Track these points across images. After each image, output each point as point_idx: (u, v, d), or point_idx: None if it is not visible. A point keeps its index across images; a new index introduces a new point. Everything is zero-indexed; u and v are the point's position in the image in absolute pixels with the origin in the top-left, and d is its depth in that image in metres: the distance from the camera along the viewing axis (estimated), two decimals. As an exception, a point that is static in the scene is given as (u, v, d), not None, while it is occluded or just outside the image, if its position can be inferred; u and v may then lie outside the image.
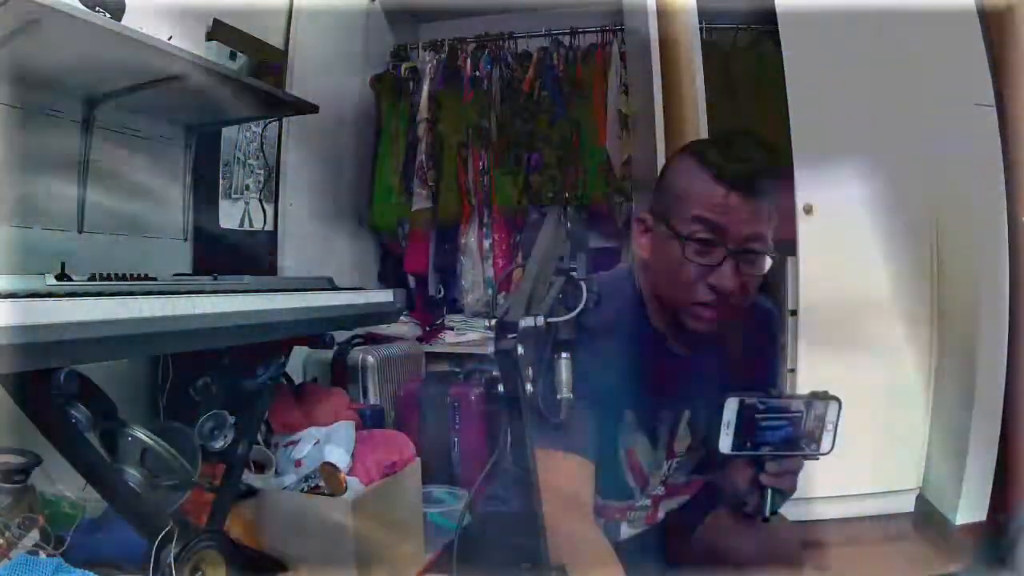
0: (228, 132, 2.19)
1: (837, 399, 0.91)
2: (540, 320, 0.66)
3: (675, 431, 1.04)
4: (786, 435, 0.90)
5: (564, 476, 0.86)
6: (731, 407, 0.88)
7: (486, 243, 2.84)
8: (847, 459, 2.04)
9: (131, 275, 1.17)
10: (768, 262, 0.91)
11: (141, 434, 1.21)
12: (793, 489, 0.94)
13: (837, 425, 0.91)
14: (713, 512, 1.07)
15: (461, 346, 2.70)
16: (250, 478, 1.55)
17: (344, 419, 1.82)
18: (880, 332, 2.10)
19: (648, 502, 1.08)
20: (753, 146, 0.93)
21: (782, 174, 0.92)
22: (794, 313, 2.12)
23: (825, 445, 0.91)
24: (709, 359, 1.01)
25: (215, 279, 1.35)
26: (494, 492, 1.03)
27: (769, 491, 0.91)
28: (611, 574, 0.85)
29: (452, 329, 2.79)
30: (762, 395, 0.89)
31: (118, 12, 1.42)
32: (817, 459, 0.92)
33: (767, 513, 0.92)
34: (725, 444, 0.89)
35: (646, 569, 1.03)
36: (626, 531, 1.08)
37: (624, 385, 0.93)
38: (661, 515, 1.10)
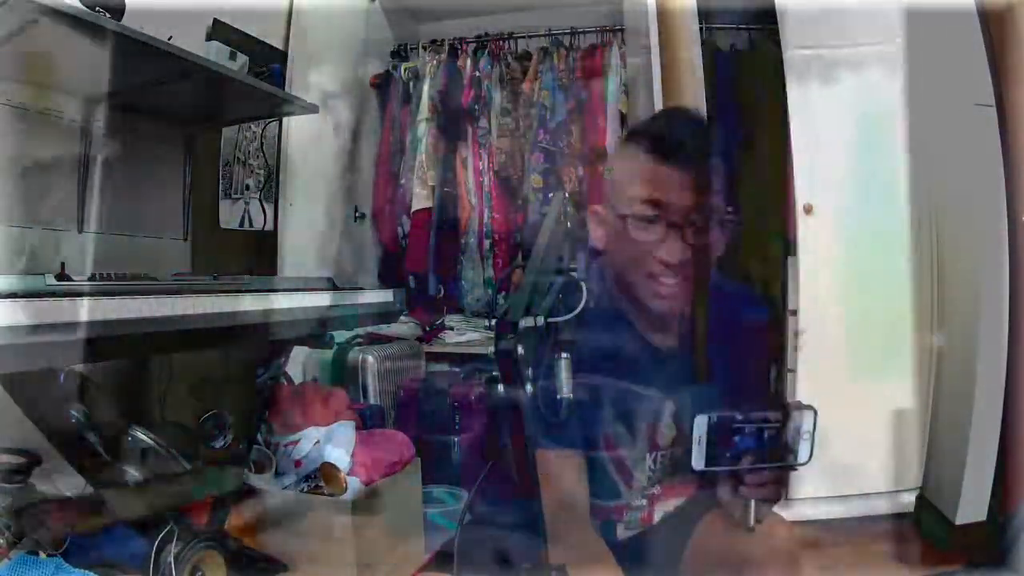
0: (228, 132, 2.19)
1: (812, 408, 0.90)
2: (540, 320, 0.66)
3: (657, 424, 1.04)
4: (761, 447, 0.89)
5: (556, 474, 0.86)
6: (700, 424, 0.87)
7: (486, 243, 2.84)
8: (847, 459, 2.05)
9: (131, 275, 1.17)
10: (718, 232, 0.93)
11: (141, 434, 1.21)
12: (778, 498, 0.94)
13: (814, 434, 0.90)
14: (710, 514, 1.06)
15: (461, 346, 2.70)
16: (250, 478, 1.56)
17: (344, 419, 1.82)
18: (880, 332, 2.10)
19: (644, 502, 1.08)
20: (683, 119, 0.98)
21: (714, 142, 0.96)
22: (794, 313, 2.12)
23: (802, 455, 0.90)
24: (687, 350, 1.02)
25: (215, 279, 1.35)
26: (494, 492, 1.04)
27: (752, 501, 0.91)
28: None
29: (452, 329, 2.79)
30: (733, 411, 0.88)
31: (118, 12, 1.42)
32: (795, 469, 0.91)
33: (751, 523, 0.91)
34: (698, 461, 0.88)
35: (643, 571, 1.03)
36: (623, 533, 1.07)
37: (601, 379, 0.93)
38: (657, 517, 1.10)
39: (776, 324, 1.16)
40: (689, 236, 0.92)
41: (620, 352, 0.97)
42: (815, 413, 0.89)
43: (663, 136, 0.94)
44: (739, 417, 0.88)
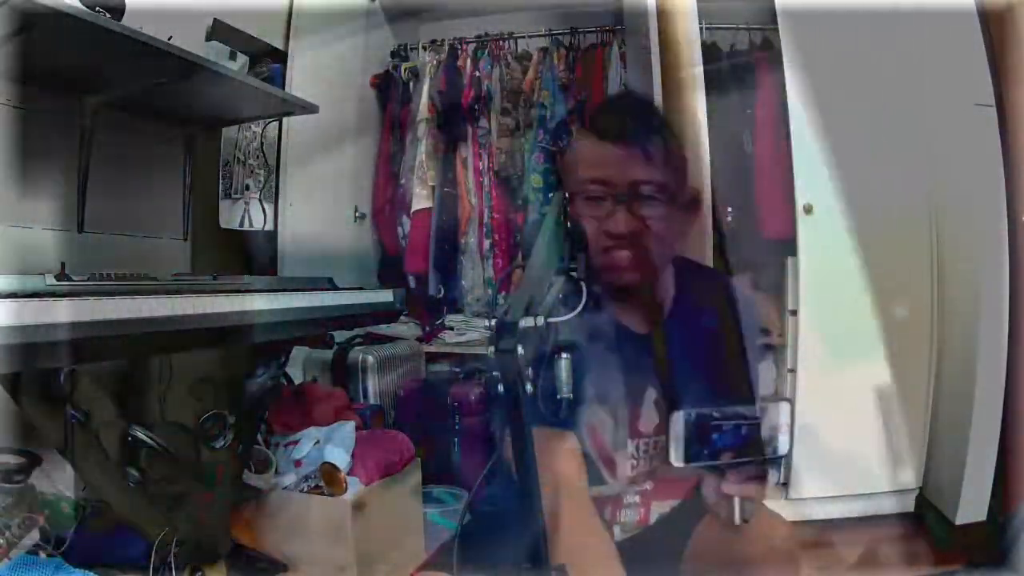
0: (228, 132, 2.19)
1: (787, 400, 0.91)
2: (540, 320, 0.66)
3: (637, 409, 1.04)
4: (739, 442, 0.89)
5: (554, 453, 0.86)
6: (677, 421, 0.88)
7: (486, 243, 2.84)
8: (847, 459, 2.05)
9: (131, 275, 1.17)
10: (672, 207, 0.96)
11: (141, 434, 1.21)
12: (762, 495, 0.94)
13: (792, 426, 0.90)
14: (709, 515, 1.06)
15: (461, 346, 2.70)
16: (250, 478, 1.56)
17: (344, 419, 1.82)
18: (880, 332, 2.10)
19: (637, 499, 1.08)
20: (625, 101, 1.05)
21: (658, 121, 1.03)
22: (794, 313, 2.12)
23: (781, 447, 0.90)
24: (663, 335, 1.03)
25: (215, 279, 1.35)
26: (494, 492, 1.03)
27: (736, 499, 0.91)
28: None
29: (452, 329, 2.79)
30: (709, 407, 0.89)
31: (118, 12, 1.42)
32: (775, 463, 0.92)
33: (738, 521, 0.92)
34: (676, 457, 0.88)
35: (642, 573, 1.03)
36: (619, 535, 1.07)
37: (580, 363, 0.94)
38: (653, 517, 1.09)
39: (751, 308, 1.16)
40: (636, 209, 0.94)
41: (596, 338, 0.97)
42: (791, 405, 0.89)
43: (602, 117, 1.00)
44: (715, 413, 0.88)
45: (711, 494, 0.94)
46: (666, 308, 1.06)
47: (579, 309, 0.74)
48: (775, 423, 0.89)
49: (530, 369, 0.64)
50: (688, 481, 1.09)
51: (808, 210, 2.07)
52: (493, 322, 0.65)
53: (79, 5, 1.27)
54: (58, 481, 1.25)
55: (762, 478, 0.93)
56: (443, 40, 2.92)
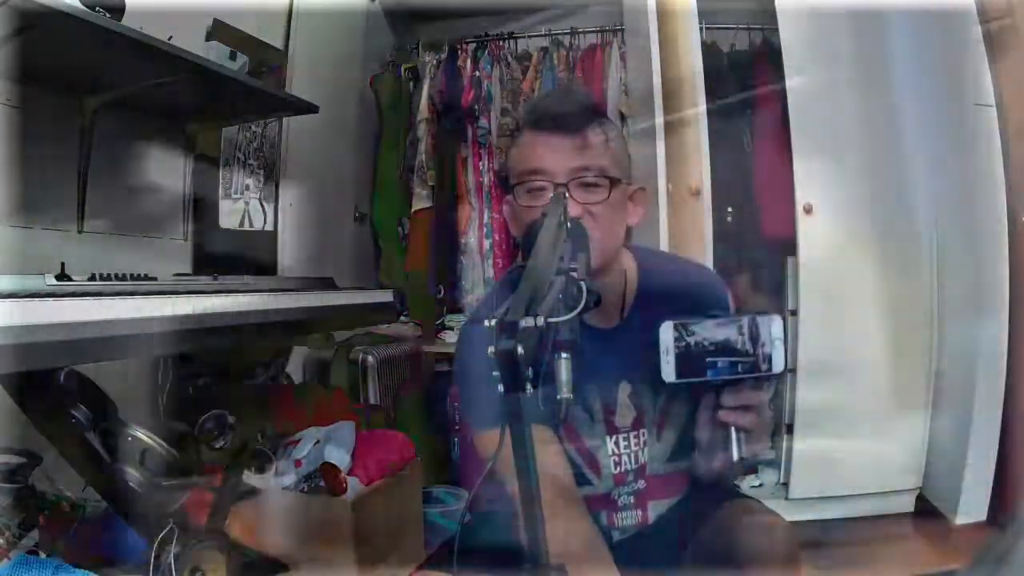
0: (228, 132, 2.19)
1: (778, 315, 0.86)
2: (540, 320, 0.66)
3: (612, 405, 1.04)
4: (733, 356, 0.84)
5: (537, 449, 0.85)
6: (666, 331, 0.83)
7: (486, 243, 2.84)
8: (847, 459, 2.05)
9: (131, 275, 1.17)
10: (606, 192, 0.96)
11: (141, 434, 1.21)
12: (761, 427, 0.89)
13: (785, 340, 0.85)
14: (710, 516, 1.05)
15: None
16: (250, 478, 1.56)
17: (344, 419, 1.82)
18: (879, 332, 2.10)
19: (631, 499, 1.07)
20: (559, 92, 0.99)
21: (591, 108, 1.02)
22: (794, 313, 2.12)
23: (777, 363, 0.84)
24: (626, 329, 1.02)
25: (215, 279, 1.35)
26: (494, 492, 1.03)
27: (733, 430, 0.86)
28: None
29: (452, 329, 2.79)
30: (698, 318, 0.84)
31: (118, 12, 1.41)
32: (772, 379, 0.86)
33: (735, 456, 0.86)
34: (668, 372, 0.83)
35: (642, 573, 1.02)
36: (617, 537, 1.07)
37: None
38: (652, 518, 1.09)
39: (717, 291, 1.13)
40: (577, 195, 0.94)
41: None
42: (783, 319, 0.86)
43: (538, 109, 1.01)
44: (704, 324, 0.84)
45: (705, 430, 0.91)
46: (629, 301, 1.05)
47: (579, 309, 0.74)
48: (770, 337, 0.84)
49: (531, 369, 0.64)
50: (681, 475, 1.09)
51: (808, 210, 2.07)
52: (493, 322, 0.64)
53: (79, 5, 1.27)
54: (58, 481, 1.25)
55: (760, 407, 0.88)
56: (443, 40, 2.93)
